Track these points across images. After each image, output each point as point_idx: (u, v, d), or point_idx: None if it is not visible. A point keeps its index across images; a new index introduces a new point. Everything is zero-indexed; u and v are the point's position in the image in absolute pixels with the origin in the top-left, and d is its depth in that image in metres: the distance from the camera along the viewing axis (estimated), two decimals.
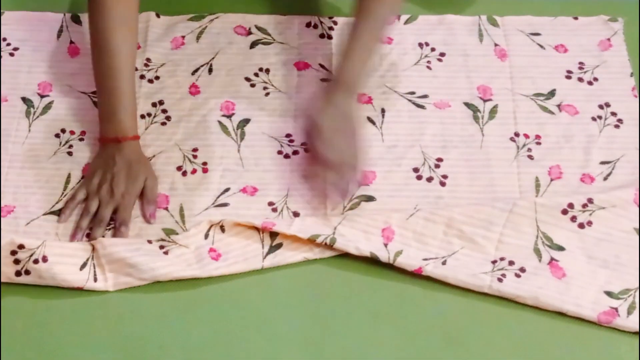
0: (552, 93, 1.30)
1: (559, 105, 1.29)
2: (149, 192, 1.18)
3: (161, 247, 1.13)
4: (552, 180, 1.21)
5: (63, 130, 1.25)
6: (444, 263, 1.12)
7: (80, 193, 1.18)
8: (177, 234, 1.15)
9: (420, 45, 1.35)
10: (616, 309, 1.10)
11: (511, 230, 1.15)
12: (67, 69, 1.32)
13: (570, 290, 1.11)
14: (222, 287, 1.12)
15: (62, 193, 1.19)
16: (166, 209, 1.18)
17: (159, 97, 1.29)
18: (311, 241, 1.13)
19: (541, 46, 1.36)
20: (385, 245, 1.13)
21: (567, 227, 1.16)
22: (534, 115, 1.28)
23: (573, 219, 1.17)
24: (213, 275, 1.12)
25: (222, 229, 1.15)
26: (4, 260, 1.09)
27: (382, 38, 1.25)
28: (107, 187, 1.16)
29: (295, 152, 1.24)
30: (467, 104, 1.29)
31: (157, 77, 1.31)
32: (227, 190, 1.20)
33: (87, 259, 1.11)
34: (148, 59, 1.32)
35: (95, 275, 1.11)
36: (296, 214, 1.18)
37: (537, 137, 1.25)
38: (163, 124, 1.26)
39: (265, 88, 1.30)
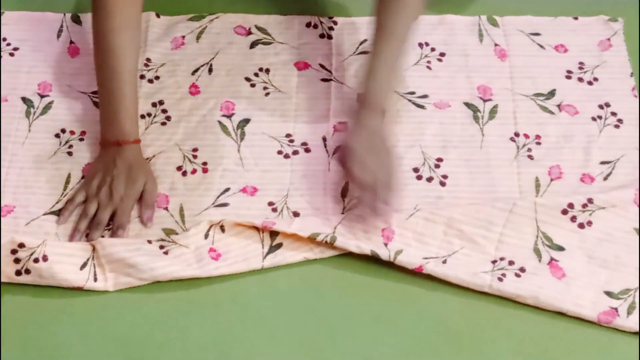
0: (552, 93, 1.30)
1: (559, 105, 1.29)
2: (147, 196, 1.17)
3: (161, 247, 1.13)
4: (552, 180, 1.21)
5: (63, 130, 1.25)
6: (444, 262, 1.12)
7: (80, 195, 1.18)
8: (177, 234, 1.15)
9: (420, 45, 1.35)
10: (616, 309, 1.10)
11: (511, 230, 1.15)
12: (67, 69, 1.32)
13: (570, 290, 1.11)
14: (222, 287, 1.12)
15: (62, 193, 1.19)
16: (166, 209, 1.18)
17: (159, 97, 1.29)
18: (311, 240, 1.13)
19: (541, 46, 1.36)
20: (386, 244, 1.13)
21: (567, 227, 1.16)
22: (534, 115, 1.28)
23: (573, 219, 1.17)
24: (213, 275, 1.12)
25: (222, 229, 1.15)
26: (4, 260, 1.09)
27: (406, 51, 1.22)
28: (107, 190, 1.16)
29: (295, 152, 1.24)
30: (467, 104, 1.29)
31: (157, 77, 1.31)
32: (227, 190, 1.20)
33: (88, 259, 1.11)
34: (148, 59, 1.32)
35: (95, 275, 1.11)
36: (296, 214, 1.18)
37: (537, 137, 1.25)
38: (163, 124, 1.26)
39: (265, 88, 1.30)
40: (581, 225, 1.16)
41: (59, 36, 1.35)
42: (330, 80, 1.31)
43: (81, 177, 1.21)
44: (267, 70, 1.32)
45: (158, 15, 1.37)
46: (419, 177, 1.22)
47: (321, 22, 1.38)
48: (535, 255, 1.14)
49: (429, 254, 1.13)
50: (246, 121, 1.27)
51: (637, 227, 1.16)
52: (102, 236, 1.14)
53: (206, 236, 1.14)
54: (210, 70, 1.32)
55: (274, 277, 1.13)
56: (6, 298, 1.10)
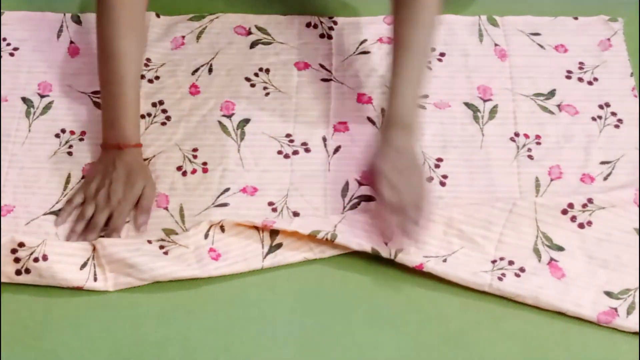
0: (552, 93, 1.30)
1: (559, 105, 1.29)
2: (144, 200, 1.17)
3: (161, 247, 1.13)
4: (552, 180, 1.21)
5: (63, 130, 1.25)
6: (444, 261, 1.12)
7: (78, 197, 1.18)
8: (177, 234, 1.15)
9: None
10: (616, 309, 1.10)
11: (511, 230, 1.15)
12: (67, 69, 1.32)
13: (570, 290, 1.11)
14: (222, 287, 1.12)
15: (62, 193, 1.19)
16: (166, 209, 1.18)
17: (159, 97, 1.29)
18: (312, 239, 1.13)
19: (541, 46, 1.36)
20: (386, 244, 1.13)
21: (567, 227, 1.16)
22: (534, 115, 1.28)
23: (573, 219, 1.17)
24: (213, 275, 1.12)
25: (222, 229, 1.15)
26: (4, 259, 1.09)
27: (427, 62, 1.19)
28: (105, 192, 1.16)
29: (295, 152, 1.24)
30: (467, 104, 1.29)
31: (157, 77, 1.31)
32: (227, 190, 1.20)
33: (88, 259, 1.11)
34: (148, 59, 1.32)
35: (95, 275, 1.11)
36: (296, 214, 1.18)
37: (537, 137, 1.25)
38: (163, 124, 1.26)
39: (265, 88, 1.30)
40: (581, 225, 1.16)
41: (59, 36, 1.35)
42: (330, 80, 1.31)
43: (81, 177, 1.21)
44: (267, 70, 1.32)
45: (158, 15, 1.37)
46: None
47: (321, 22, 1.38)
48: (535, 255, 1.14)
49: (429, 254, 1.13)
50: (246, 121, 1.27)
51: (637, 227, 1.16)
52: (102, 236, 1.14)
53: (206, 236, 1.14)
54: (210, 70, 1.32)
55: (274, 277, 1.13)
56: (6, 298, 1.10)
